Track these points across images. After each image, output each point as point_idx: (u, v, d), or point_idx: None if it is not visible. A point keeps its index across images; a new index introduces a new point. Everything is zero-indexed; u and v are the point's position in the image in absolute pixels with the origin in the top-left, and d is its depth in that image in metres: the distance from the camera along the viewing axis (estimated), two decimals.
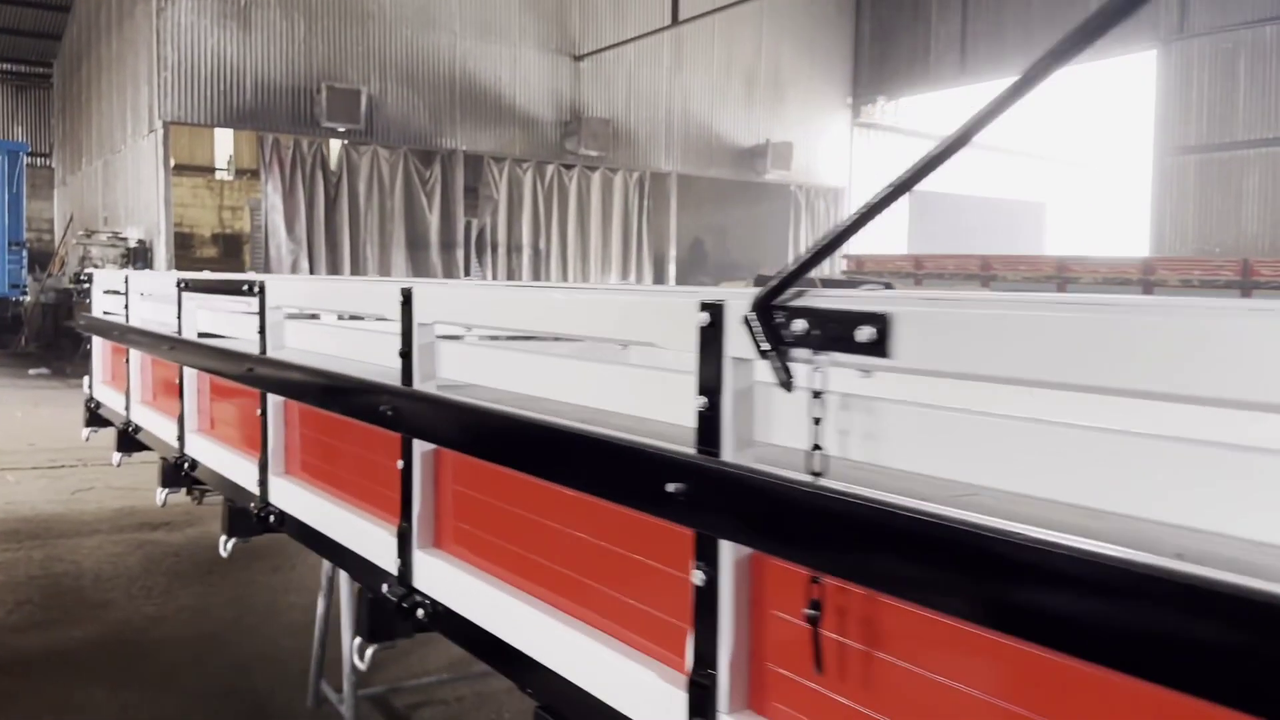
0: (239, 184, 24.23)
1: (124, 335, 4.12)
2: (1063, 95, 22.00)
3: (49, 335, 17.99)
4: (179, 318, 3.54)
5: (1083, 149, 24.36)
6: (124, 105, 15.45)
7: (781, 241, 19.45)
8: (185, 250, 19.63)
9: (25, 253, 12.15)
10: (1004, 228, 22.53)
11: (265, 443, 2.85)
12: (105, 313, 4.60)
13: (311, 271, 14.44)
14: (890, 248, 20.16)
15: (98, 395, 4.91)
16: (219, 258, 22.50)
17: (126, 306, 4.17)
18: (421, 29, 15.02)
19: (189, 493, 7.01)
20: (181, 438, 3.58)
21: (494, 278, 15.98)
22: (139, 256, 13.87)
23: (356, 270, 14.81)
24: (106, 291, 4.59)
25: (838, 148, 19.40)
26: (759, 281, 1.95)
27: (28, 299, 13.20)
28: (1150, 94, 14.68)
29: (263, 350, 2.78)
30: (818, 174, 19.09)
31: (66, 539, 5.91)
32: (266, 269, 14.29)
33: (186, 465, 3.52)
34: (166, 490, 4.22)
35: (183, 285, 3.56)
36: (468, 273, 15.68)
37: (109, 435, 8.92)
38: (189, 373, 3.50)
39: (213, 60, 13.53)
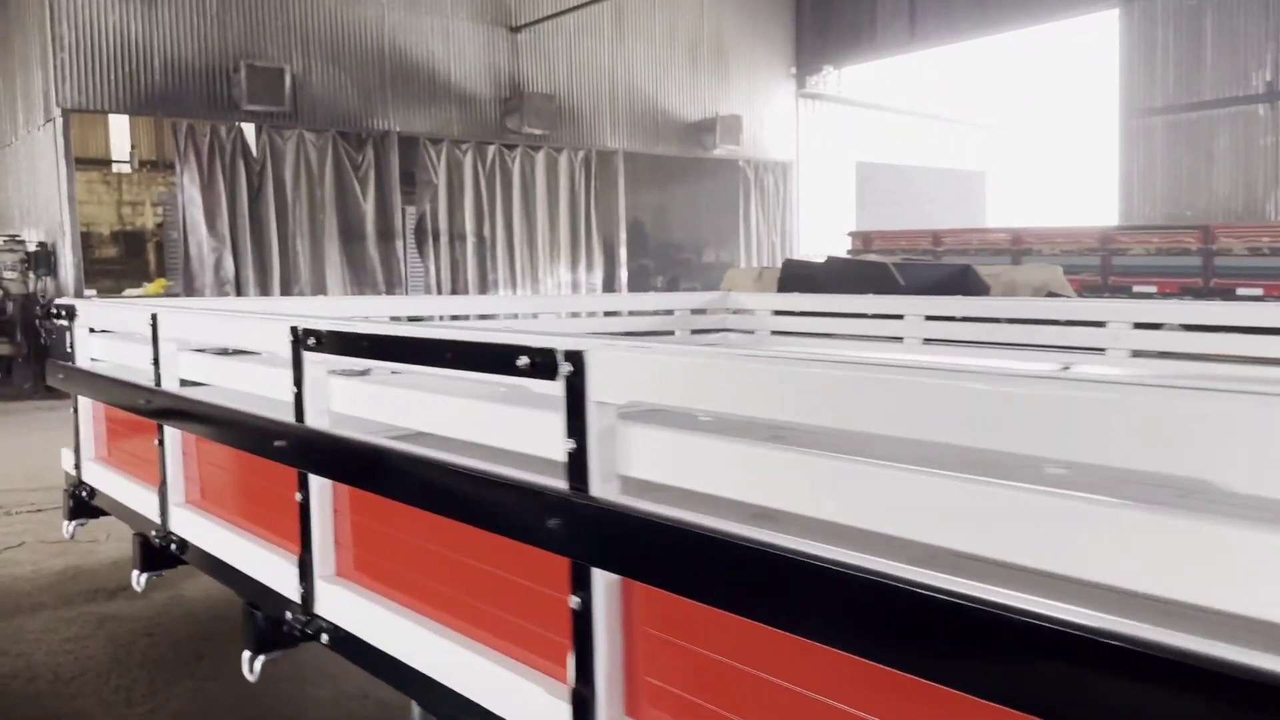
0: (139, 177, 22.43)
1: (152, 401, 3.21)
2: (1006, 61, 21.77)
3: None
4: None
5: (1026, 115, 24.26)
6: (12, 93, 13.81)
7: (728, 219, 18.75)
8: (84, 251, 17.92)
9: None
10: (948, 197, 22.24)
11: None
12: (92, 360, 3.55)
13: (237, 269, 13.14)
14: (839, 221, 19.67)
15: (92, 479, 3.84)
16: (121, 258, 20.78)
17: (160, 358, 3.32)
18: (345, 1, 13.74)
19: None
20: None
21: (436, 270, 14.89)
22: (41, 261, 12.36)
23: (287, 266, 13.55)
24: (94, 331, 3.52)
25: (784, 120, 18.72)
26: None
27: None
28: (1113, 55, 14.32)
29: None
30: (766, 148, 18.39)
31: (5, 620, 4.78)
32: (186, 269, 12.95)
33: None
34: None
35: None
36: (404, 266, 14.53)
37: (30, 463, 7.64)
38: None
39: (116, 39, 12.07)
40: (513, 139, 15.36)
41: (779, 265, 9.10)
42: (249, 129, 13.24)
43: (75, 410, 3.45)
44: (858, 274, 6.09)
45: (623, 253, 16.97)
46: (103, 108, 12.37)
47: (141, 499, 3.07)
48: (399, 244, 14.47)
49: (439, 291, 14.89)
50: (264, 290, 13.35)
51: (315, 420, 2.08)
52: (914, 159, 21.15)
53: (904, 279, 5.62)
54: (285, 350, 2.09)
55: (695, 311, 4.26)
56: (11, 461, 8.33)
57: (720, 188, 18.76)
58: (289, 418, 2.12)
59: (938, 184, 22.07)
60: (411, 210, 14.93)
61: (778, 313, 4.12)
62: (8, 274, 12.88)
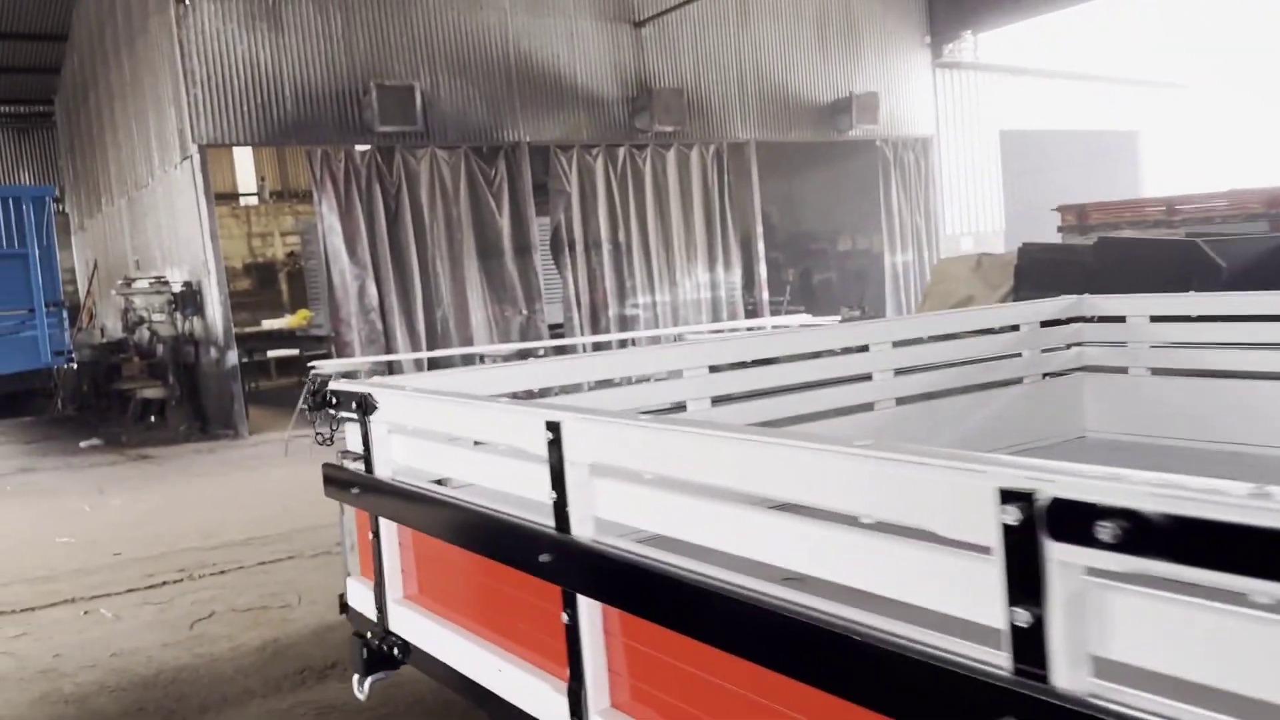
0: (266, 208, 22.65)
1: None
2: (1156, 13, 20.14)
3: (86, 397, 16.49)
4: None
5: (1191, 70, 22.44)
6: (146, 134, 13.82)
7: (864, 203, 17.74)
8: None
9: (64, 313, 10.53)
10: (1096, 161, 20.71)
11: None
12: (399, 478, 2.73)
13: (380, 296, 12.81)
14: (984, 196, 18.44)
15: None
16: (255, 290, 20.94)
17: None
18: (469, 10, 13.30)
19: (344, 610, 5.32)
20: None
21: (574, 281, 14.34)
22: (188, 301, 12.26)
23: (428, 288, 13.18)
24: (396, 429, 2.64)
25: (921, 93, 17.59)
26: None
27: (74, 365, 11.68)
28: None
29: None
30: (903, 124, 17.29)
31: (214, 715, 4.30)
32: (330, 298, 12.69)
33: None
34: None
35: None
36: (540, 280, 14.00)
37: (202, 517, 7.27)
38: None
39: (246, 70, 11.86)
40: (642, 139, 14.71)
41: (986, 250, 8.18)
42: (388, 151, 12.91)
43: (375, 535, 2.56)
44: (1153, 257, 5.06)
45: (760, 247, 16.16)
46: (237, 141, 12.20)
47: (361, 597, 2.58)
48: (535, 257, 13.97)
49: (578, 304, 14.36)
50: (407, 316, 13.01)
51: (580, 530, 1.80)
52: (1060, 123, 19.71)
53: (1223, 259, 4.62)
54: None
55: (1046, 324, 3.41)
56: (181, 514, 8.03)
57: (855, 170, 17.77)
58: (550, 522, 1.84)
59: (1085, 147, 20.56)
60: (545, 221, 14.42)
61: (1156, 319, 3.24)
62: (156, 316, 12.85)
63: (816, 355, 3.05)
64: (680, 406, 2.85)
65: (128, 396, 13.32)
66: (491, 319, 13.69)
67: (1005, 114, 18.77)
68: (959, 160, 18.10)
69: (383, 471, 2.36)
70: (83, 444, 12.27)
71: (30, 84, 19.90)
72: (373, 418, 2.30)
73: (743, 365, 3.15)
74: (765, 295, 16.19)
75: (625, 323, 14.67)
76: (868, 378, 3.16)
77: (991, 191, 18.69)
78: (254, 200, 22.89)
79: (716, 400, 3.00)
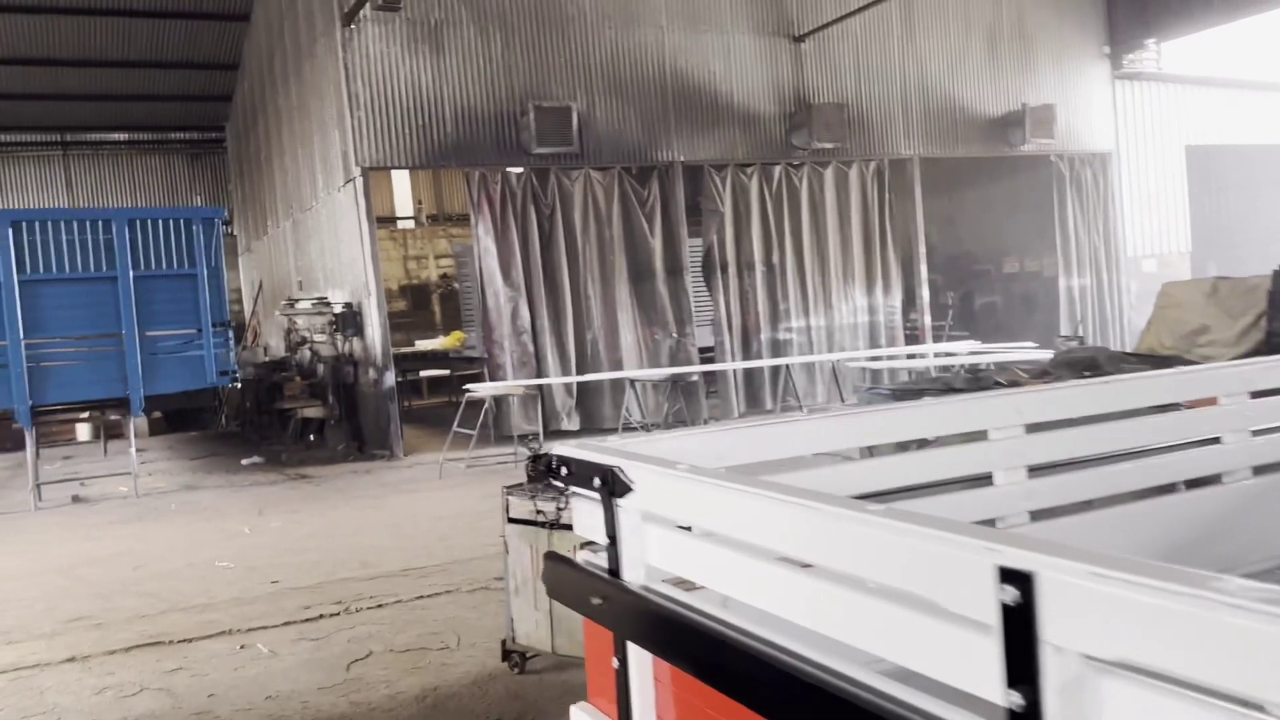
0: (421, 231, 23.12)
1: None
2: None
3: (248, 413, 16.99)
4: None
5: None
6: (311, 157, 14.15)
7: (1034, 222, 16.65)
8: None
9: (231, 333, 10.72)
10: None
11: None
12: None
13: (532, 318, 12.66)
14: (1169, 216, 17.05)
15: None
16: (409, 311, 21.28)
17: None
18: (625, 28, 13.09)
19: (506, 658, 4.82)
20: None
21: (725, 304, 13.87)
22: (348, 322, 12.39)
23: (579, 311, 12.96)
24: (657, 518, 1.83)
25: (1099, 106, 16.42)
26: None
27: (239, 385, 11.95)
28: None
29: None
30: (1081, 138, 16.16)
31: None
32: (484, 321, 12.61)
33: None
34: None
35: None
36: (692, 301, 13.57)
37: (359, 544, 7.08)
38: None
39: (408, 94, 11.94)
40: (799, 156, 14.16)
41: (1219, 274, 7.29)
42: (543, 172, 12.80)
43: (620, 660, 1.80)
44: None
45: (923, 269, 15.31)
46: (398, 163, 12.28)
47: None
48: (687, 279, 13.58)
49: (729, 327, 13.88)
50: (558, 338, 12.81)
51: None
52: (1254, 138, 18.08)
53: None
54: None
55: None
56: (338, 540, 7.92)
57: (1026, 188, 16.73)
58: None
59: None
60: (697, 243, 14.04)
61: None
62: (318, 336, 13.05)
63: (1126, 412, 2.39)
64: (985, 478, 2.22)
65: (288, 415, 13.57)
66: (641, 342, 13.36)
67: (1192, 128, 17.34)
68: (1141, 177, 16.79)
69: (634, 575, 1.71)
70: (244, 462, 12.53)
71: (203, 111, 20.89)
72: (624, 502, 1.68)
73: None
74: (928, 320, 15.33)
75: (778, 347, 14.11)
76: (1215, 441, 2.46)
77: (1177, 211, 17.27)
78: (410, 223, 23.40)
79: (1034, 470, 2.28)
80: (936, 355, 13.75)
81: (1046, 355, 12.59)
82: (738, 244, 13.92)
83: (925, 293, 15.29)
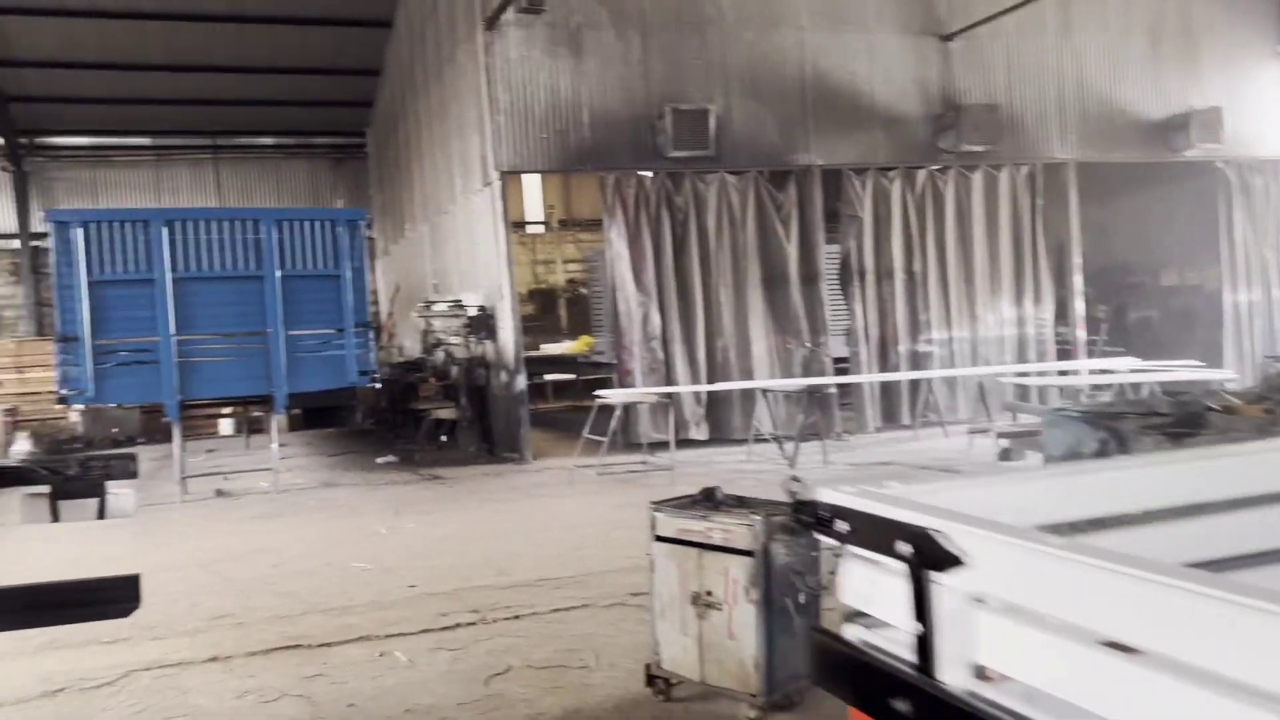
0: (550, 236, 23.27)
1: None
2: None
3: (383, 412, 17.30)
4: None
5: None
6: (449, 162, 14.30)
7: (1197, 232, 15.54)
8: None
9: (372, 334, 10.84)
10: None
11: None
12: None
13: (664, 324, 12.44)
14: None
15: None
16: (536, 315, 21.41)
17: None
18: (765, 30, 12.76)
19: (651, 683, 4.69)
20: None
21: (863, 312, 13.36)
22: (481, 325, 12.42)
23: (710, 317, 12.68)
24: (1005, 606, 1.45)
25: (1273, 109, 15.19)
26: None
27: (377, 385, 12.11)
28: None
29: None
30: (1252, 143, 14.99)
31: None
32: (615, 326, 12.46)
33: None
34: None
35: None
36: (827, 310, 13.10)
37: (493, 550, 6.92)
38: None
39: (546, 98, 11.90)
40: (945, 160, 13.54)
41: None
42: (677, 176, 12.60)
43: None
44: None
45: (1077, 280, 14.44)
46: (535, 167, 12.26)
47: None
48: (822, 287, 13.14)
49: (865, 338, 13.37)
50: (688, 345, 12.56)
51: None
52: None
53: None
54: None
55: None
56: (473, 545, 7.82)
57: (1187, 195, 15.65)
58: None
59: None
60: (833, 249, 13.58)
61: None
62: (452, 339, 13.14)
63: None
64: None
65: (421, 415, 13.71)
66: (773, 350, 12.99)
67: None
68: None
69: (955, 678, 1.29)
70: (379, 460, 12.71)
71: (346, 116, 21.49)
72: (946, 578, 1.27)
73: None
74: (1081, 334, 14.45)
75: (917, 360, 13.51)
76: None
77: None
78: (538, 228, 23.59)
79: None
80: (1091, 372, 12.93)
81: (1222, 375, 11.68)
82: (877, 250, 13.41)
83: (1080, 305, 14.42)
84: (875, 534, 1.34)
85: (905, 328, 13.55)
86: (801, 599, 4.38)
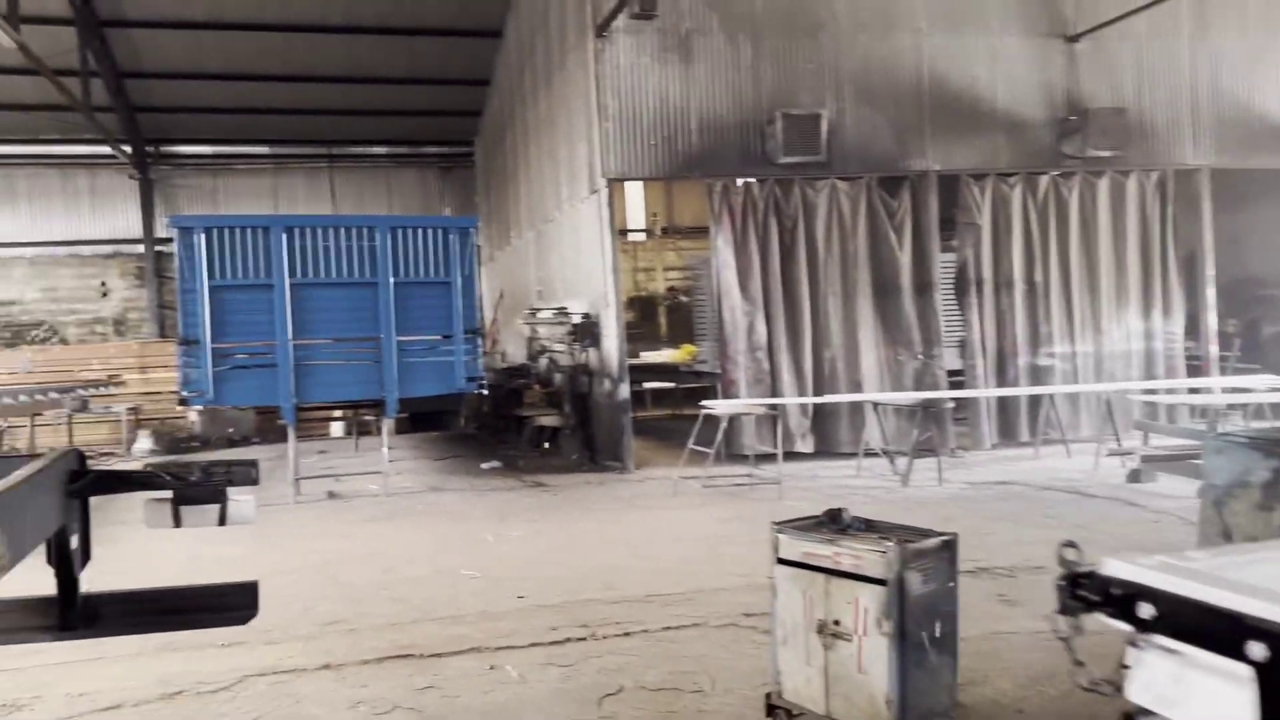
0: (651, 243, 23.19)
1: None
2: None
3: (486, 417, 17.43)
4: None
5: None
6: (556, 169, 14.33)
7: None
8: None
9: (480, 340, 10.88)
10: None
11: None
12: None
13: (769, 334, 12.19)
14: None
15: None
16: (636, 323, 21.33)
17: None
18: (881, 33, 12.42)
19: (771, 713, 4.49)
20: None
21: (979, 324, 12.86)
22: (586, 332, 12.37)
23: (818, 327, 12.37)
24: None
25: None
26: None
27: (484, 391, 12.18)
28: None
29: None
30: None
31: None
32: (719, 335, 12.26)
33: None
34: None
35: None
36: (940, 321, 12.63)
37: (600, 561, 6.79)
38: None
39: (655, 104, 11.81)
40: (1070, 165, 12.96)
41: None
42: (786, 183, 12.34)
43: None
44: None
45: (1210, 293, 13.64)
46: (643, 174, 12.15)
47: None
48: (936, 297, 12.69)
49: (982, 350, 12.87)
50: (795, 356, 12.28)
51: None
52: None
53: None
54: None
55: None
56: (580, 556, 7.72)
57: None
58: None
59: None
60: (948, 258, 13.12)
61: None
62: (556, 346, 13.13)
63: None
64: None
65: (525, 421, 13.75)
66: (883, 362, 12.60)
67: None
68: None
69: None
70: (484, 465, 12.77)
71: (455, 126, 21.82)
72: None
73: None
74: (1213, 349, 13.65)
75: (1037, 375, 12.94)
76: None
77: None
78: (640, 236, 23.53)
79: None
80: (1225, 390, 12.19)
81: None
82: (996, 259, 12.91)
83: (1212, 319, 13.62)
84: (1201, 625, 1.08)
85: (1025, 340, 13.00)
86: (938, 632, 4.12)
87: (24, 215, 20.28)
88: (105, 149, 19.42)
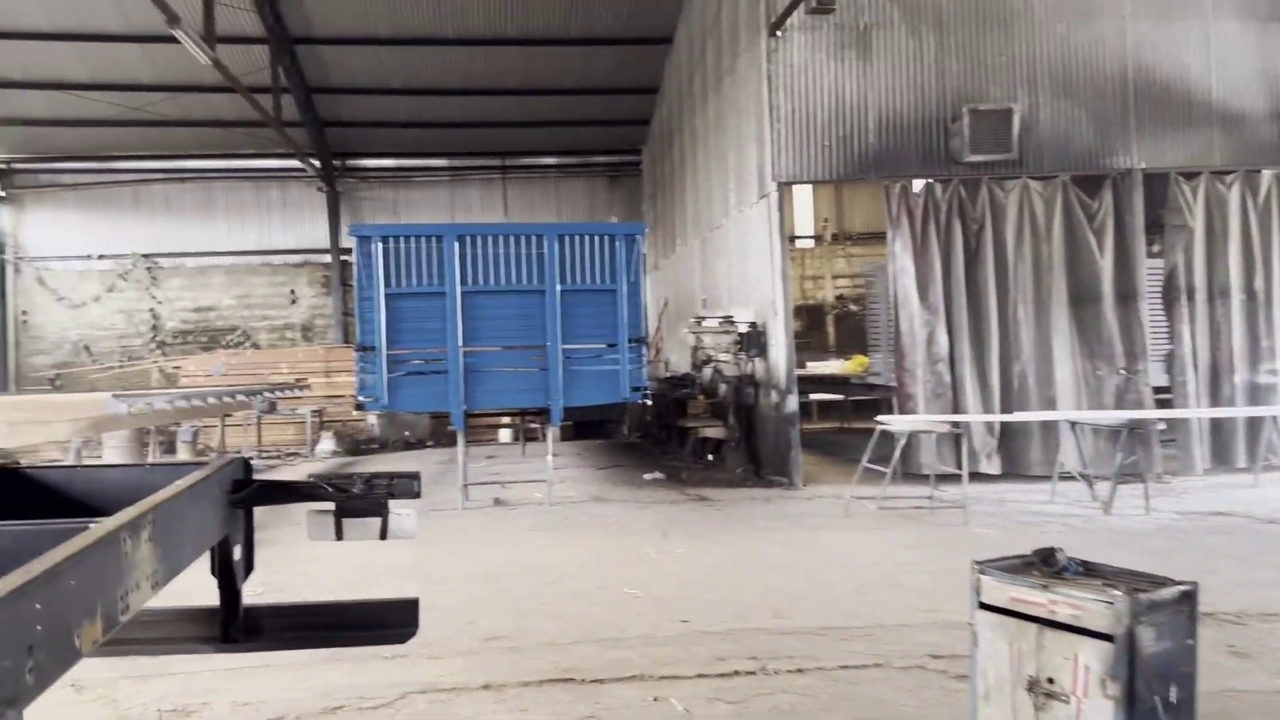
0: (819, 250, 22.54)
1: None
2: None
3: (648, 427, 17.26)
4: None
5: None
6: (725, 175, 13.99)
7: None
8: None
9: (645, 349, 10.64)
10: None
11: None
12: None
13: (951, 344, 11.44)
14: None
15: None
16: (802, 332, 20.75)
17: None
18: (1081, 20, 11.48)
19: None
20: None
21: (1191, 336, 11.68)
22: (753, 342, 11.96)
23: (1006, 338, 11.52)
24: None
25: None
26: None
27: (648, 402, 11.96)
28: None
29: None
30: None
31: None
32: (896, 346, 11.59)
33: None
34: None
35: None
36: (1146, 333, 11.53)
37: (772, 584, 6.36)
38: None
39: (830, 103, 11.30)
40: None
41: None
42: (961, 184, 11.58)
43: None
44: None
45: None
46: (815, 177, 11.64)
47: None
48: (1141, 306, 11.60)
49: (1194, 365, 11.68)
50: (979, 369, 11.47)
51: None
52: None
53: None
54: None
55: None
56: (746, 578, 7.31)
57: None
58: None
59: None
60: (1156, 264, 11.99)
61: None
62: (722, 355, 12.77)
63: None
64: None
65: (687, 432, 13.45)
66: (1080, 376, 11.61)
67: None
68: None
69: None
70: (646, 476, 12.54)
71: (623, 135, 21.83)
72: None
73: None
74: None
75: (1256, 393, 11.64)
76: None
77: None
78: (808, 243, 22.92)
79: None
80: None
81: None
82: (1210, 265, 11.71)
83: None
84: None
85: (1243, 355, 11.73)
86: (1173, 697, 3.51)
87: (221, 226, 21.57)
88: (295, 162, 20.43)
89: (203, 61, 12.36)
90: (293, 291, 22.05)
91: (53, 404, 8.64)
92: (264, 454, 17.47)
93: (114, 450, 17.35)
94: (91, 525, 2.49)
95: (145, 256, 21.18)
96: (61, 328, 20.98)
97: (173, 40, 11.89)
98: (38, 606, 1.82)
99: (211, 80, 15.41)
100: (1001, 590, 3.89)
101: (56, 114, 18.97)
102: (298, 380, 17.61)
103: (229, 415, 14.97)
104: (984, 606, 3.98)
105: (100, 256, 21.05)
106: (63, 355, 20.93)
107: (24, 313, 20.90)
